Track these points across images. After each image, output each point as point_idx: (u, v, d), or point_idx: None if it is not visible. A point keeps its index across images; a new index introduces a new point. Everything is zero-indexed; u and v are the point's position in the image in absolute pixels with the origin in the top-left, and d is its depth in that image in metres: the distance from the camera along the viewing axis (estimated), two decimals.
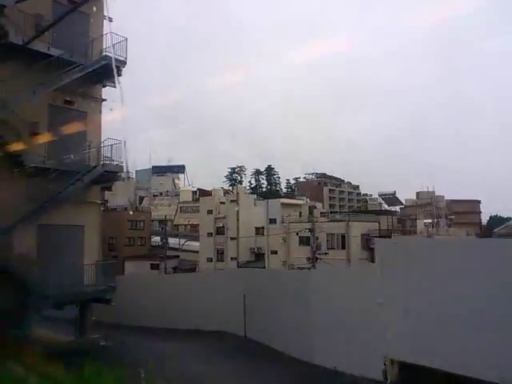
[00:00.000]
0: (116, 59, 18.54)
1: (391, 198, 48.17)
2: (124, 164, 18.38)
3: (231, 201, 50.30)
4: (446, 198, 69.58)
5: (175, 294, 22.11)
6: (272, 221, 46.37)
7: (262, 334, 17.68)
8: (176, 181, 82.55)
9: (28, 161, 16.60)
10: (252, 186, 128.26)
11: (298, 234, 42.85)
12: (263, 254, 49.84)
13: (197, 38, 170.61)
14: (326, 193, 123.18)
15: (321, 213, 45.42)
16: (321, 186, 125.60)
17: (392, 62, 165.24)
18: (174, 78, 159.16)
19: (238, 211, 48.26)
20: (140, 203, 69.15)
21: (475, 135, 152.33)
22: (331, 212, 61.65)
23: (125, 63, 18.85)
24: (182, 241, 60.30)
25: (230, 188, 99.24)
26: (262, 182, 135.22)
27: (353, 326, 12.16)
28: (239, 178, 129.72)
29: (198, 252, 54.56)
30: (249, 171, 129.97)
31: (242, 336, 19.13)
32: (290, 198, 60.37)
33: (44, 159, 17.11)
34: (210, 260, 50.79)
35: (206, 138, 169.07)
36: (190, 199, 72.84)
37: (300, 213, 47.99)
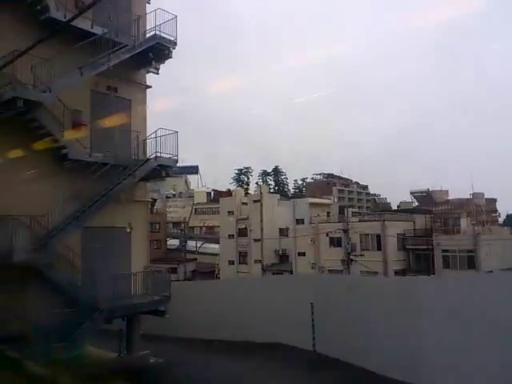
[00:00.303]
0: (165, 39, 16.45)
1: (424, 197, 45.86)
2: (177, 157, 16.23)
3: (254, 201, 48.11)
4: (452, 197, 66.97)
5: (226, 302, 19.92)
6: (299, 221, 44.21)
7: (339, 349, 15.53)
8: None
9: (73, 154, 14.45)
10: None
11: (328, 234, 40.75)
12: (287, 255, 47.83)
13: (202, 38, 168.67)
14: (336, 193, 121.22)
15: (352, 212, 43.29)
16: (330, 186, 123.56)
17: (395, 62, 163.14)
18: (178, 79, 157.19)
19: (261, 211, 46.12)
20: (152, 205, 66.93)
21: (478, 134, 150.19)
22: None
23: (175, 44, 16.71)
24: (199, 243, 58.30)
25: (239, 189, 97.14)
26: (270, 182, 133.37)
27: (503, 348, 9.95)
28: (246, 179, 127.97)
29: (215, 255, 52.49)
30: (255, 172, 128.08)
31: (310, 350, 16.97)
32: (317, 198, 58.07)
33: (89, 152, 14.97)
34: (231, 263, 48.61)
35: (209, 139, 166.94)
36: (205, 200, 70.69)
37: (328, 213, 45.91)
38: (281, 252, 47.53)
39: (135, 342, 16.43)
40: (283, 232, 48.05)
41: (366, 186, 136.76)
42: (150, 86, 18.06)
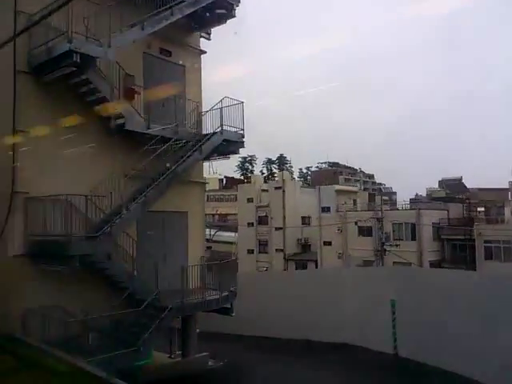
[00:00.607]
0: None
1: (457, 185, 43.83)
2: (243, 132, 13.99)
3: (275, 188, 46.00)
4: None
5: (286, 296, 17.83)
6: (324, 209, 42.16)
7: (433, 355, 13.56)
8: None
9: (130, 125, 12.21)
10: (264, 175, 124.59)
11: (356, 223, 38.79)
12: (309, 245, 45.93)
13: None
14: (342, 182, 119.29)
15: (384, 200, 41.26)
16: (336, 175, 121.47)
17: (397, 53, 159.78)
18: None
19: (284, 199, 44.06)
20: None
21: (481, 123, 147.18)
22: None
23: (238, 1, 14.42)
24: (212, 231, 56.27)
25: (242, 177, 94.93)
26: (274, 171, 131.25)
27: None
28: (250, 167, 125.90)
29: (230, 243, 50.48)
30: (259, 161, 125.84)
31: (390, 353, 15.04)
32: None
33: (148, 123, 12.73)
34: (251, 252, 46.63)
35: None
36: (217, 187, 68.47)
37: (354, 200, 43.91)
38: (303, 241, 45.57)
39: (192, 342, 14.38)
40: (305, 220, 46.07)
41: (372, 175, 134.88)
42: (205, 52, 15.80)
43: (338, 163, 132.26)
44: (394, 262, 35.29)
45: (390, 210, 39.05)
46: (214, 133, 13.35)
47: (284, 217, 44.11)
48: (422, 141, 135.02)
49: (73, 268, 10.00)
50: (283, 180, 45.69)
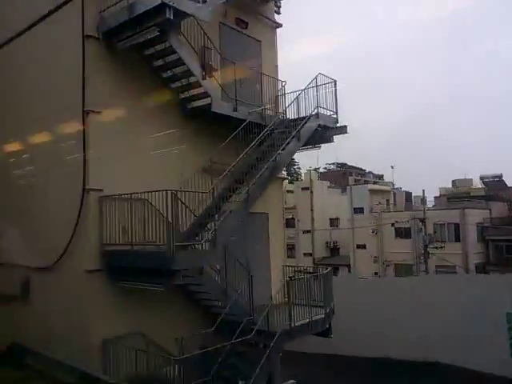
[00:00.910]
0: None
1: (496, 183, 41.67)
2: (337, 116, 11.73)
3: (302, 188, 43.74)
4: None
5: (367, 306, 15.57)
6: (356, 210, 39.90)
7: None
8: None
9: (216, 106, 9.90)
10: None
11: (393, 224, 36.55)
12: (338, 248, 43.69)
13: None
14: (352, 183, 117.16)
15: (421, 200, 38.98)
16: (346, 176, 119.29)
17: (405, 53, 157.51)
18: None
19: (312, 200, 41.82)
20: None
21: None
22: None
23: None
24: None
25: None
26: (282, 172, 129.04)
27: None
28: None
29: None
30: None
31: (508, 377, 12.70)
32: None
33: (235, 105, 10.42)
34: None
35: None
36: None
37: (387, 200, 41.67)
38: (332, 245, 43.26)
39: (276, 368, 12.00)
40: (333, 222, 43.81)
41: (382, 176, 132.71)
42: (281, 25, 13.53)
43: (346, 164, 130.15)
44: (436, 266, 33.15)
45: (434, 209, 36.78)
46: (310, 116, 11.01)
47: (312, 219, 41.82)
48: (426, 140, 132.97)
49: (170, 286, 7.71)
50: (311, 180, 43.43)
